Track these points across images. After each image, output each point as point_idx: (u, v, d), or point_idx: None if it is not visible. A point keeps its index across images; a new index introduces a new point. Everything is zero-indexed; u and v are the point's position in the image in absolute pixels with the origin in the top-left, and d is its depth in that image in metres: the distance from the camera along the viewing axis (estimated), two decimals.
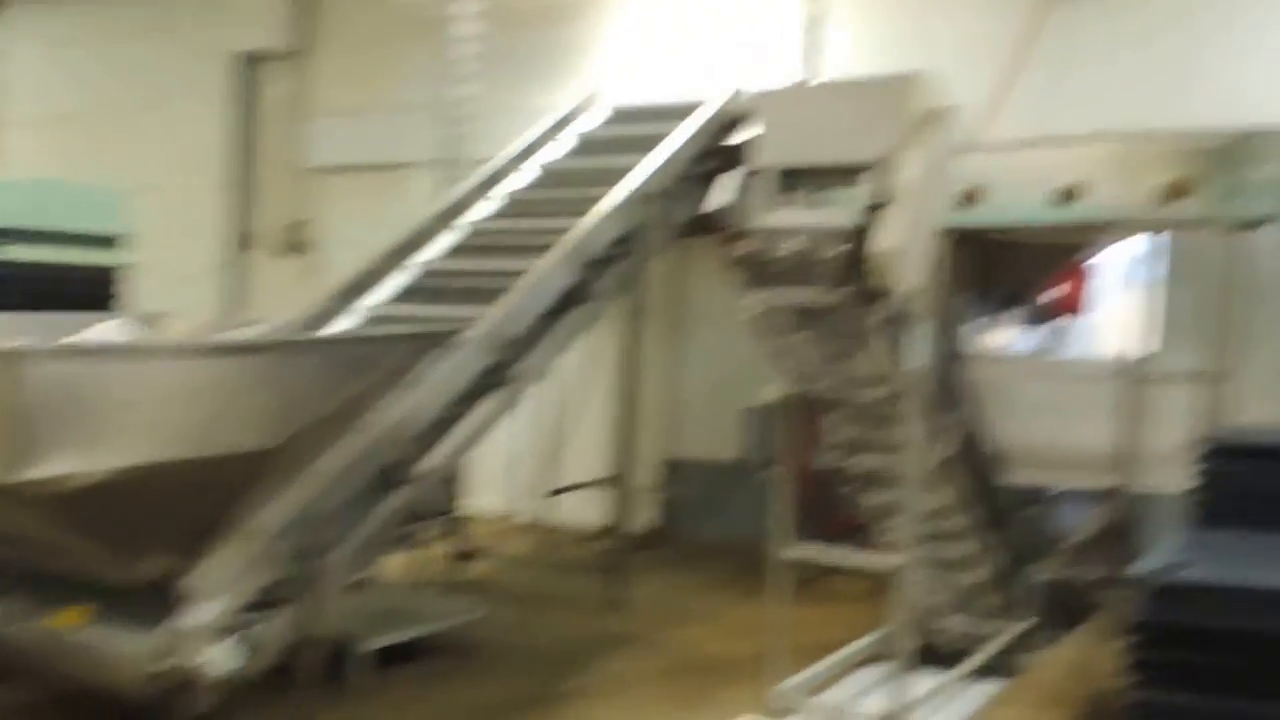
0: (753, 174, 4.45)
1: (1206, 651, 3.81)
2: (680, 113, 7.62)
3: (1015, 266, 7.44)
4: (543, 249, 6.37)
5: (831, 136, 4.29)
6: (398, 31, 10.14)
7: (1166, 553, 4.24)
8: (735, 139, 7.11)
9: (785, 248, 4.26)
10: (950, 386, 5.01)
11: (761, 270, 4.35)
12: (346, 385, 4.70)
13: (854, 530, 7.80)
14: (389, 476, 5.03)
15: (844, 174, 4.34)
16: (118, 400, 3.72)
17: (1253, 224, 6.45)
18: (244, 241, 11.08)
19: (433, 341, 5.44)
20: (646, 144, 7.36)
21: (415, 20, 9.77)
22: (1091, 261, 8.06)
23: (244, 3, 11.02)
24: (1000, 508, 5.49)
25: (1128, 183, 6.63)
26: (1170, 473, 7.22)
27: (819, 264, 4.20)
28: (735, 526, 8.48)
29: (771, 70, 7.86)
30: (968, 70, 6.16)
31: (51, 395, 3.54)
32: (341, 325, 6.33)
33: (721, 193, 4.35)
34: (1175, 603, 3.88)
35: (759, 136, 4.49)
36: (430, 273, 6.69)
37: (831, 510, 7.23)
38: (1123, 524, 7.29)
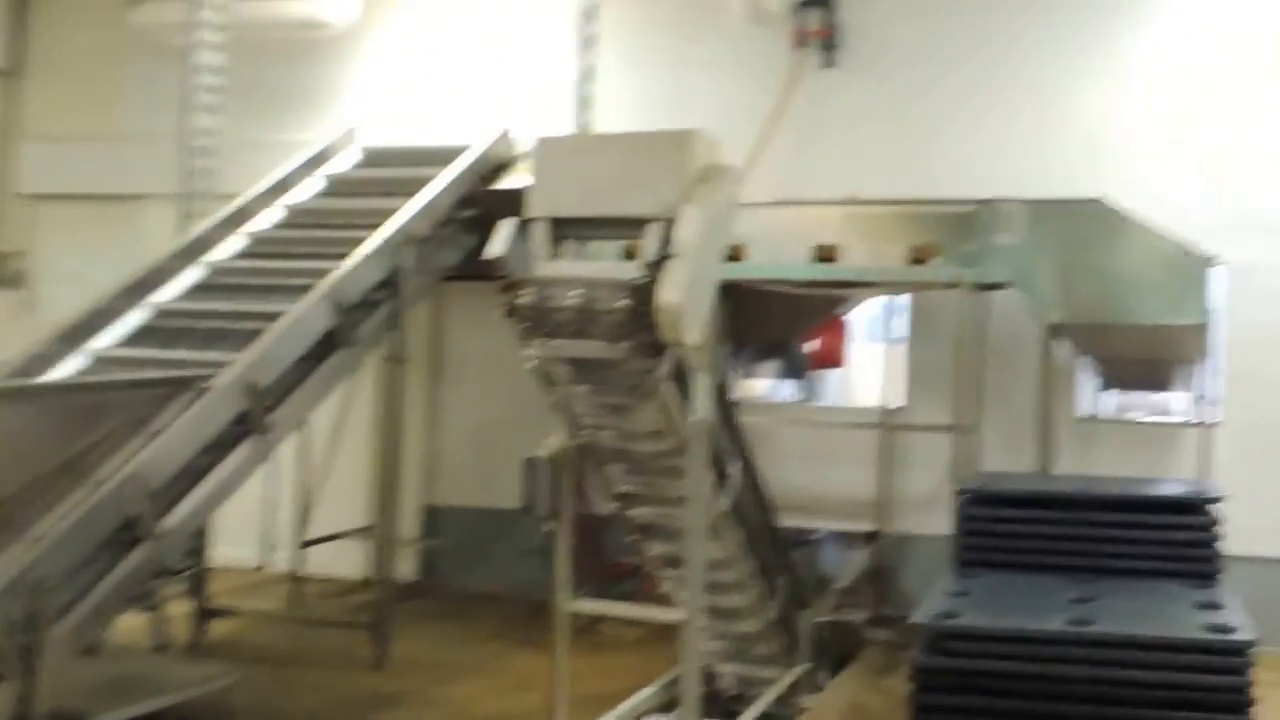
0: (527, 222, 4.33)
1: (984, 694, 3.89)
2: (437, 157, 7.50)
3: (771, 320, 7.59)
4: (293, 291, 6.15)
5: (611, 188, 4.20)
6: (125, 55, 9.63)
7: (939, 598, 4.31)
8: (503, 184, 7.08)
9: (566, 299, 4.15)
10: (729, 437, 5.00)
11: (541, 321, 4.22)
12: (73, 436, 4.31)
13: (622, 577, 7.81)
14: (126, 533, 4.64)
15: (623, 226, 4.28)
16: None
17: (990, 287, 6.80)
18: None
19: (176, 387, 5.10)
20: (401, 187, 7.22)
21: (145, 44, 9.32)
22: (846, 317, 8.30)
23: None
24: (776, 555, 5.53)
25: (877, 245, 6.90)
26: (925, 517, 7.63)
27: (600, 316, 4.11)
28: (500, 575, 8.37)
29: (538, 117, 7.76)
30: (728, 130, 6.27)
31: None
32: (66, 370, 5.83)
33: (498, 240, 4.19)
34: (952, 648, 3.94)
35: (534, 184, 4.38)
36: (169, 313, 6.30)
37: (598, 557, 7.25)
38: (883, 566, 7.58)
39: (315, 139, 8.01)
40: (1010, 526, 4.96)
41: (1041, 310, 6.74)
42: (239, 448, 5.33)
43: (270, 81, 8.95)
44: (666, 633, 6.64)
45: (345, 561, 7.92)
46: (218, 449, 5.23)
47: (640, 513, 5.01)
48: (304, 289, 6.16)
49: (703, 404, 4.38)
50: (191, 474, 5.07)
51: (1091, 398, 7.82)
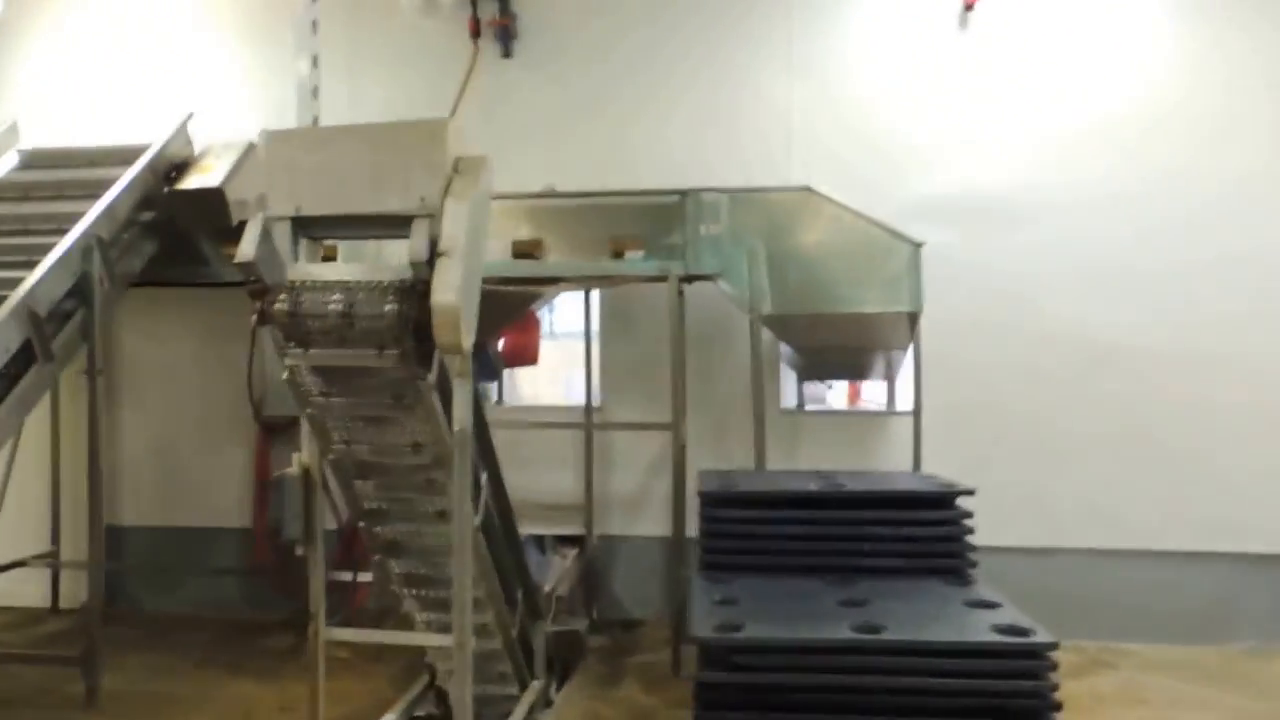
0: (271, 222, 4.06)
1: (771, 709, 3.78)
2: (107, 157, 6.99)
3: None
4: None
5: (359, 183, 3.98)
6: None
7: (708, 608, 4.17)
8: (188, 184, 6.66)
9: (326, 305, 3.94)
10: (479, 446, 4.82)
11: (297, 329, 3.98)
12: None
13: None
14: None
15: (374, 224, 4.09)
16: None
17: (695, 279, 6.85)
18: None
19: None
20: (73, 189, 6.72)
21: None
22: (541, 312, 8.26)
23: None
24: (517, 567, 5.39)
25: (577, 239, 6.92)
26: (631, 519, 7.71)
27: (364, 322, 3.92)
28: (195, 596, 7.93)
29: (211, 113, 7.35)
30: None
31: None
32: None
33: (247, 241, 3.90)
34: (736, 662, 3.82)
35: (270, 181, 4.10)
36: None
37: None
38: (592, 571, 7.56)
39: None
40: (756, 528, 4.83)
41: (749, 302, 6.66)
42: None
43: None
44: (378, 653, 6.52)
45: (22, 590, 7.42)
46: None
47: (386, 530, 4.78)
48: None
49: (464, 412, 4.23)
50: None
51: (796, 389, 7.99)
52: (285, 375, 4.15)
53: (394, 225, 3.99)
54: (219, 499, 8.05)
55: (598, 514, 7.67)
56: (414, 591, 4.93)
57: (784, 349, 7.61)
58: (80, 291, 5.94)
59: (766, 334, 7.00)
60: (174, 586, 8.06)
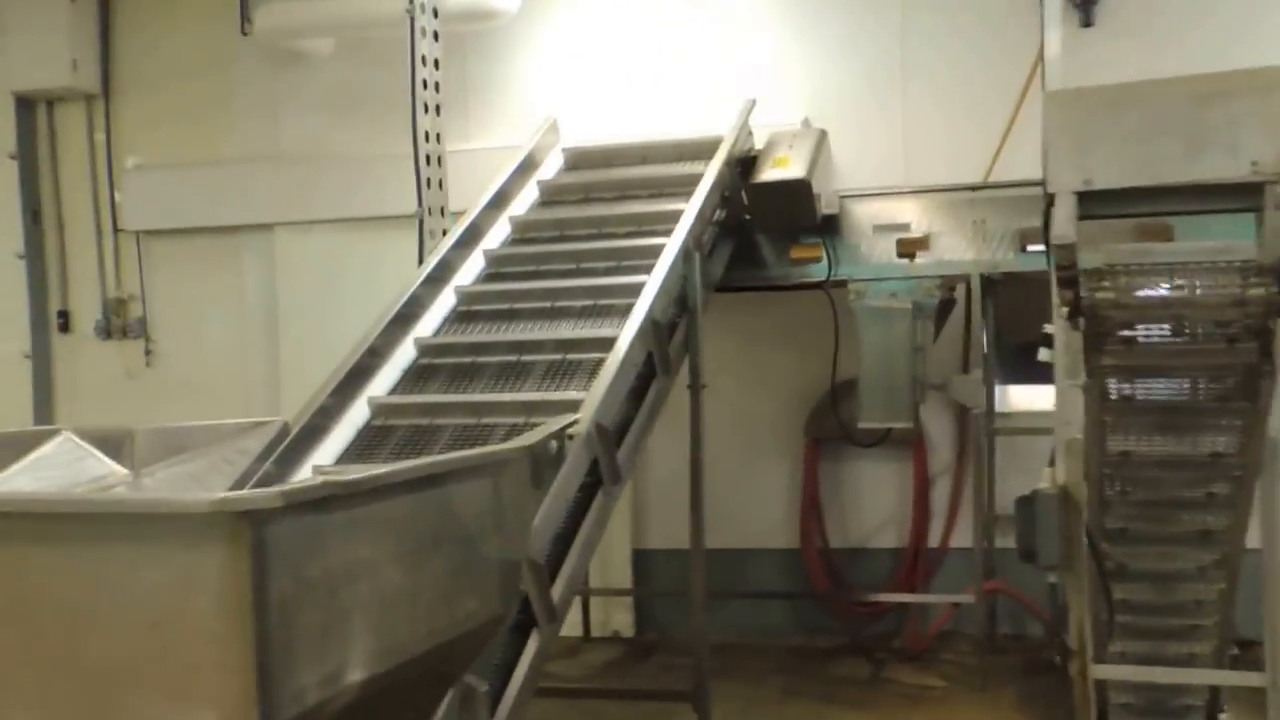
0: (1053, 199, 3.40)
1: None
2: (655, 153, 6.60)
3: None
4: (564, 314, 5.25)
5: (1170, 147, 3.29)
6: (230, 64, 8.61)
7: None
8: (767, 177, 6.15)
9: (1159, 291, 3.24)
10: None
11: (1118, 321, 3.30)
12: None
13: (870, 618, 6.96)
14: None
15: (1186, 195, 3.37)
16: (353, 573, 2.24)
17: None
18: (60, 323, 9.05)
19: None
20: (635, 188, 6.32)
21: (256, 51, 8.40)
22: None
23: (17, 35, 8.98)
24: None
25: None
26: None
27: (1211, 311, 3.20)
28: (733, 621, 7.42)
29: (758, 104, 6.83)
30: None
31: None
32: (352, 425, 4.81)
33: (1061, 220, 3.26)
34: None
35: (1053, 150, 3.45)
36: (443, 348, 5.25)
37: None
38: None
39: (509, 142, 7.06)
40: None
41: None
42: (594, 502, 4.39)
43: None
44: (982, 683, 5.92)
45: None
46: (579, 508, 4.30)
47: (1117, 550, 4.07)
48: (571, 310, 5.32)
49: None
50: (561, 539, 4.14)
51: None
52: (1082, 380, 3.46)
53: (1212, 196, 3.28)
54: (758, 519, 7.58)
55: None
56: (1133, 620, 4.22)
57: None
58: (681, 300, 5.48)
59: None
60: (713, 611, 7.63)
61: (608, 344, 4.84)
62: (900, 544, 7.27)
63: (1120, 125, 3.39)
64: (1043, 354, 3.68)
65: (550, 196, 6.45)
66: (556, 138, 6.89)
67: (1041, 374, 7.33)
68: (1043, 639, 6.72)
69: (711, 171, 5.94)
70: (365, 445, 4.74)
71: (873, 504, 7.40)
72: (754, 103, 6.59)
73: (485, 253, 5.86)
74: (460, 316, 5.50)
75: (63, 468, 3.91)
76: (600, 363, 4.80)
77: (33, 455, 3.83)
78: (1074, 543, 3.80)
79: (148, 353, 8.82)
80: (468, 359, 5.14)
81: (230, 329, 8.66)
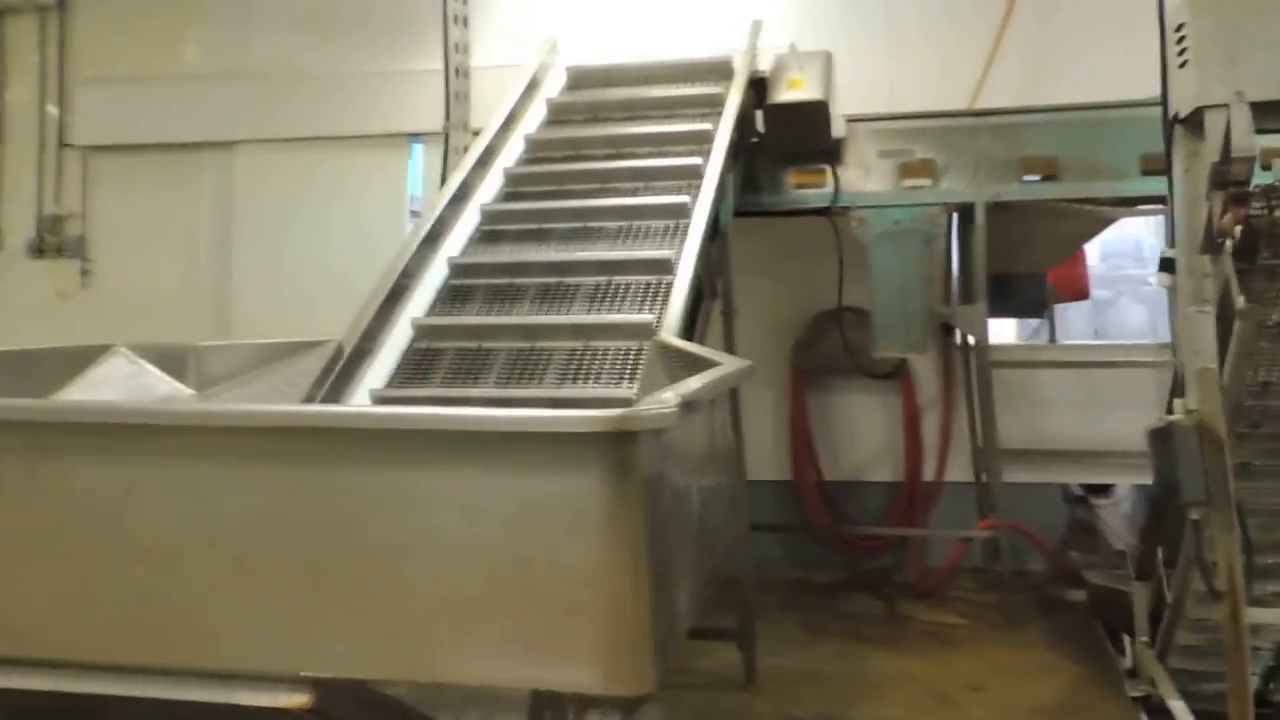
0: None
1: None
2: (662, 72, 6.46)
3: (1033, 245, 6.80)
4: (602, 234, 5.11)
5: None
6: None
7: None
8: (785, 98, 6.07)
9: None
10: None
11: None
12: None
13: (869, 552, 6.99)
14: None
15: None
16: None
17: None
18: None
19: None
20: (642, 107, 6.18)
21: None
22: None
23: None
24: None
25: None
26: None
27: None
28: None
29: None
30: None
31: None
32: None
33: (1240, 134, 3.17)
34: None
35: (1202, 61, 3.36)
36: (475, 268, 5.07)
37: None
38: None
39: (502, 61, 6.86)
40: None
41: None
42: None
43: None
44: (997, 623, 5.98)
45: None
46: None
47: (1247, 487, 3.96)
48: (605, 231, 5.16)
49: None
50: None
51: None
52: (1240, 305, 3.41)
53: None
54: (748, 452, 7.53)
55: None
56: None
57: None
58: (714, 225, 5.38)
59: None
60: None
61: (656, 265, 4.76)
62: (894, 478, 7.31)
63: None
64: (1162, 279, 3.63)
65: (559, 115, 6.28)
66: (556, 57, 6.71)
67: (1013, 307, 7.49)
68: (1045, 574, 6.86)
69: (737, 91, 5.85)
70: (414, 368, 4.57)
71: (864, 437, 7.43)
72: (761, 24, 6.49)
73: (505, 171, 5.68)
74: (486, 236, 5.34)
75: (124, 385, 3.70)
76: (651, 285, 4.72)
77: (92, 372, 3.62)
78: (1216, 477, 3.73)
79: (84, 273, 8.43)
80: (504, 280, 4.98)
81: (177, 249, 8.32)
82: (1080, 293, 7.54)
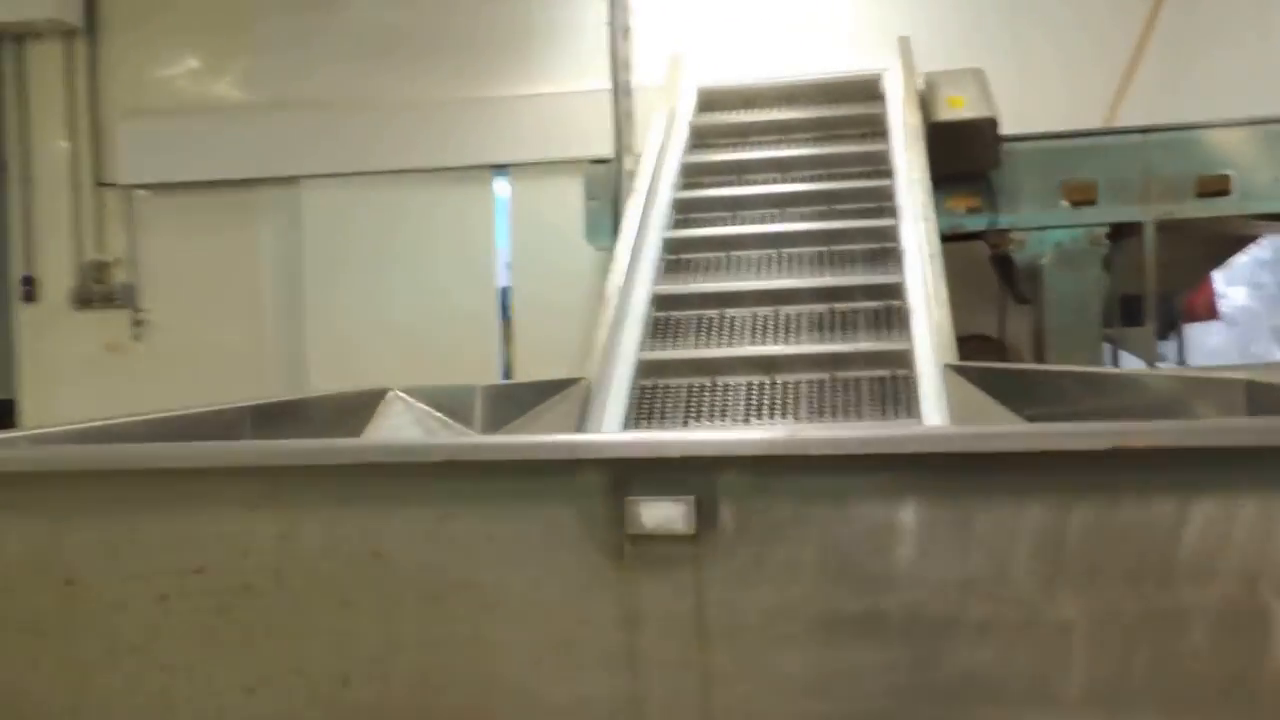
0: None
1: None
2: (798, 93, 6.10)
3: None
4: (799, 260, 4.73)
5: None
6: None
7: None
8: (959, 115, 5.76)
9: None
10: None
11: None
12: None
13: None
14: None
15: None
16: None
17: None
18: (25, 291, 7.90)
19: None
20: (792, 129, 5.81)
21: None
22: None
23: None
24: None
25: None
26: None
27: None
28: None
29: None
30: None
31: None
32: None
33: None
34: None
35: None
36: (679, 299, 4.63)
37: None
38: None
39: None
40: None
41: None
42: None
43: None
44: None
45: None
46: None
47: None
48: (802, 258, 4.78)
49: None
50: None
51: None
52: None
53: None
54: None
55: None
56: None
57: None
58: None
59: None
60: None
61: (881, 291, 4.39)
62: None
63: None
64: None
65: (703, 139, 5.85)
66: (680, 76, 6.31)
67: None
68: None
69: (912, 109, 5.49)
70: (645, 407, 4.11)
71: None
72: (909, 40, 6.15)
73: (675, 200, 5.25)
74: (671, 266, 4.89)
75: (417, 431, 3.22)
76: (882, 311, 4.36)
77: (382, 418, 3.12)
78: None
79: (135, 323, 7.81)
80: (712, 311, 4.55)
81: (239, 296, 7.76)
82: (1210, 313, 7.29)
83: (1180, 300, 7.01)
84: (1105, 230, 5.95)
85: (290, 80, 7.59)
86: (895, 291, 4.39)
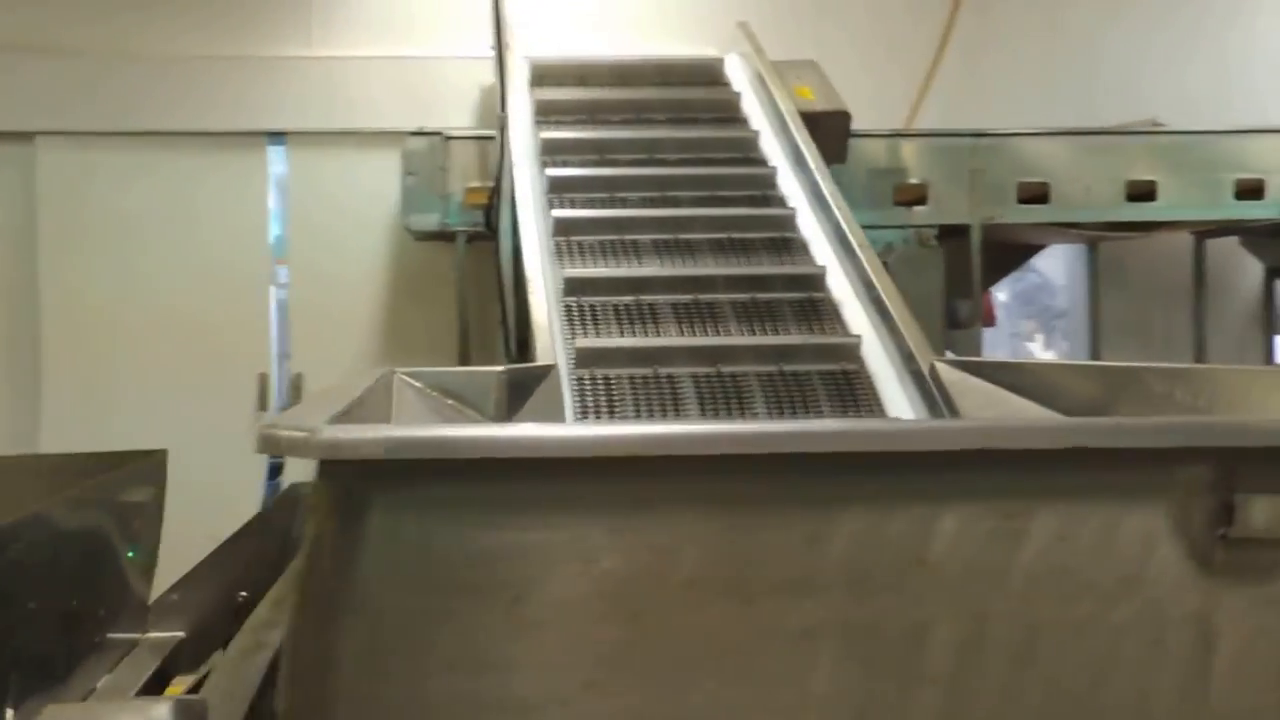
0: None
1: None
2: (633, 72, 5.88)
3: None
4: (700, 247, 4.52)
5: None
6: None
7: None
8: (816, 107, 5.70)
9: None
10: None
11: None
12: None
13: None
14: None
15: None
16: None
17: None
18: None
19: None
20: (643, 109, 5.57)
21: None
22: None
23: None
24: None
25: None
26: None
27: None
28: None
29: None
30: None
31: None
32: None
33: None
34: None
35: None
36: (590, 284, 4.26)
37: None
38: None
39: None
40: None
41: None
42: None
43: None
44: None
45: None
46: None
47: None
48: (702, 244, 4.53)
49: None
50: None
51: None
52: None
53: None
54: None
55: None
56: None
57: None
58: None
59: None
60: None
61: (804, 282, 4.25)
62: None
63: None
64: None
65: (549, 114, 5.47)
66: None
67: None
68: None
69: (782, 92, 5.36)
70: (588, 399, 3.74)
71: None
72: (749, 24, 6.03)
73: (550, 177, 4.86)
74: (560, 249, 4.51)
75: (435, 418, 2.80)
76: (805, 302, 4.21)
77: (400, 400, 2.67)
78: None
79: None
80: (629, 297, 4.22)
81: None
82: (990, 320, 7.57)
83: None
84: (934, 231, 6.05)
85: (30, 21, 6.57)
86: (816, 283, 4.23)
